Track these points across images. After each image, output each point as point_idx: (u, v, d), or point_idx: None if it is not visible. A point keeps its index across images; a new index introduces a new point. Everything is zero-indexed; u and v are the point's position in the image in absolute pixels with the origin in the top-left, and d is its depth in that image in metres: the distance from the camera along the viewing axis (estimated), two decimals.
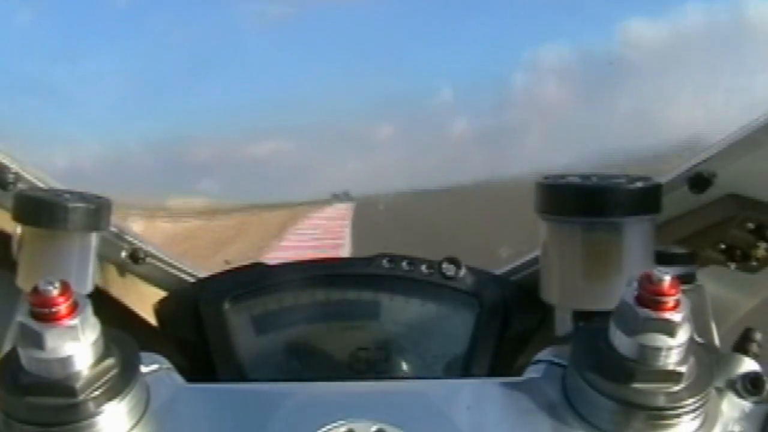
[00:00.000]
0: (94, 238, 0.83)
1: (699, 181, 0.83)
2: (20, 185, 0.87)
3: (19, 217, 0.80)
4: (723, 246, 0.85)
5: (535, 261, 0.92)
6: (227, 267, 0.95)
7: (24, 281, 0.80)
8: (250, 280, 0.89)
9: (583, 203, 0.75)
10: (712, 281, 0.83)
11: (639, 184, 0.75)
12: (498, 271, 0.97)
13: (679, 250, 0.81)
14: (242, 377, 0.85)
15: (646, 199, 0.75)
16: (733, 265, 0.85)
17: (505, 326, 0.86)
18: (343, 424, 0.65)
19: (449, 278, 0.87)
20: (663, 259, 0.77)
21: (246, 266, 0.93)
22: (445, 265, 0.88)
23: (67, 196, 0.82)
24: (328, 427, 0.64)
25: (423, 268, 0.88)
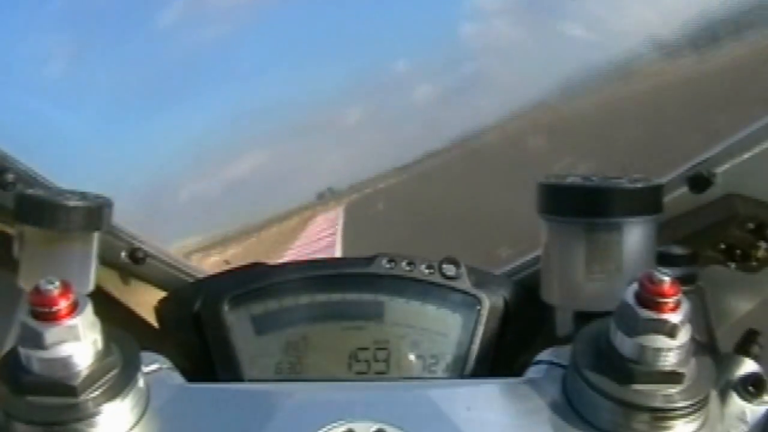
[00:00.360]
0: (95, 238, 0.83)
1: (699, 181, 0.83)
2: (20, 186, 0.87)
3: (20, 217, 0.80)
4: (723, 246, 0.85)
5: (535, 261, 0.92)
6: (227, 267, 0.95)
7: (25, 281, 0.80)
8: (250, 280, 0.88)
9: (584, 204, 0.76)
10: (713, 281, 0.83)
11: (640, 185, 0.75)
12: (498, 271, 0.97)
13: (681, 251, 0.81)
14: (242, 377, 0.84)
15: (647, 199, 0.76)
16: (733, 265, 0.85)
17: (505, 326, 0.86)
18: (343, 424, 0.65)
19: (449, 278, 0.87)
20: (665, 260, 0.77)
21: (245, 266, 0.93)
22: (445, 265, 0.88)
23: (69, 195, 0.82)
24: (328, 427, 0.65)
25: (423, 268, 0.88)
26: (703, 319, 0.79)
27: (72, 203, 0.80)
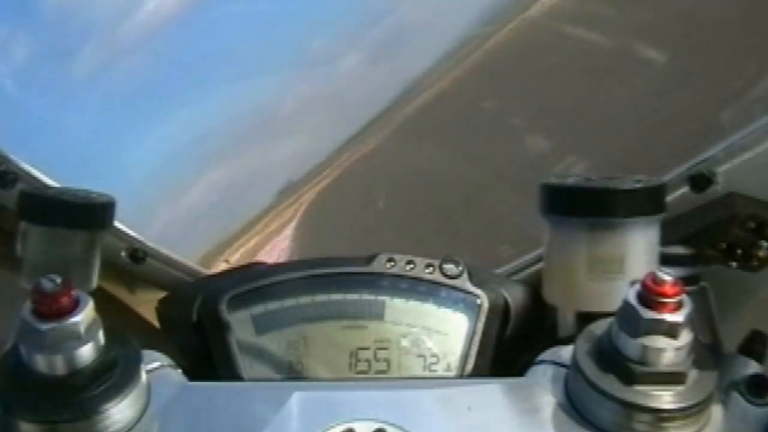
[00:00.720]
0: (97, 237, 0.83)
1: (700, 180, 0.83)
2: (20, 185, 0.87)
3: (23, 215, 0.80)
4: (724, 245, 0.85)
5: (536, 260, 0.92)
6: (227, 266, 0.95)
7: (27, 279, 0.80)
8: (250, 280, 0.88)
9: (587, 204, 0.76)
10: (714, 281, 0.83)
11: (643, 184, 0.75)
12: (499, 270, 0.97)
13: (684, 251, 0.81)
14: (242, 377, 0.84)
15: (650, 199, 0.76)
16: (734, 265, 0.85)
17: (506, 326, 0.86)
18: (343, 424, 0.65)
19: (450, 277, 0.87)
20: (667, 260, 0.78)
21: (245, 266, 0.93)
22: (445, 264, 0.88)
23: (71, 194, 0.82)
24: (329, 426, 0.64)
25: (423, 267, 0.88)
26: (706, 320, 0.79)
27: (77, 201, 0.80)
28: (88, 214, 0.81)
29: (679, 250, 0.81)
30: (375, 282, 0.88)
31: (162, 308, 0.93)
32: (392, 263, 0.88)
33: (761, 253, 0.83)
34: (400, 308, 0.86)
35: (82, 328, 0.60)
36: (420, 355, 0.85)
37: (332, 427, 0.65)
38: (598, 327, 0.67)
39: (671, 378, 0.62)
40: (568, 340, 0.72)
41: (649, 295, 0.61)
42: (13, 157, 0.88)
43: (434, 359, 0.85)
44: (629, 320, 0.62)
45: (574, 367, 0.66)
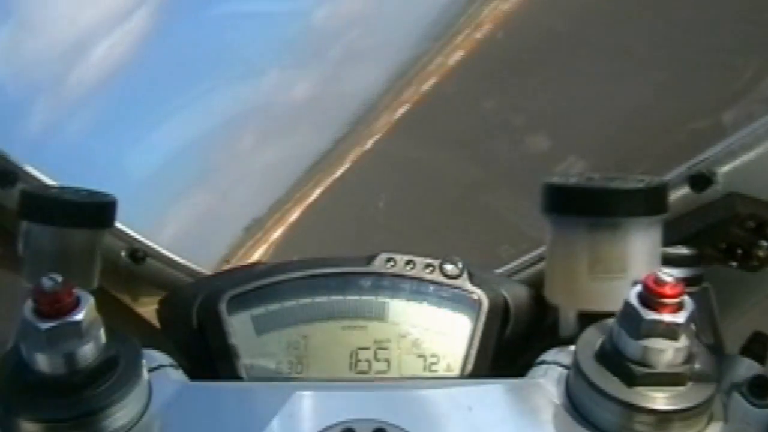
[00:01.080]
0: (98, 236, 0.83)
1: (700, 180, 0.83)
2: (20, 185, 0.87)
3: (24, 214, 0.80)
4: (724, 245, 0.85)
5: (536, 260, 0.92)
6: (227, 266, 0.95)
7: (28, 278, 0.80)
8: (250, 280, 0.88)
9: (589, 203, 0.76)
10: (714, 281, 0.83)
11: (645, 184, 0.75)
12: (500, 270, 0.97)
13: (686, 251, 0.81)
14: (242, 377, 0.84)
15: (652, 199, 0.75)
16: (734, 265, 0.85)
17: (506, 326, 0.86)
18: (343, 424, 0.65)
19: (450, 277, 0.87)
20: (670, 260, 0.78)
21: (246, 266, 0.93)
22: (445, 265, 0.88)
23: (73, 193, 0.82)
24: (329, 426, 0.64)
25: (423, 267, 0.88)
26: (708, 321, 0.79)
27: (78, 200, 0.80)
28: (90, 213, 0.81)
29: (681, 250, 0.81)
30: (375, 282, 0.87)
31: (162, 308, 0.93)
32: (392, 263, 0.88)
33: (761, 253, 0.83)
34: (400, 308, 0.86)
35: (83, 327, 0.60)
36: (420, 355, 0.85)
37: (332, 427, 0.64)
38: (600, 327, 0.67)
39: (672, 379, 0.62)
40: (569, 341, 0.72)
41: (650, 295, 0.61)
42: (13, 156, 0.88)
43: (434, 359, 0.85)
44: (630, 321, 0.62)
45: (575, 367, 0.66)
